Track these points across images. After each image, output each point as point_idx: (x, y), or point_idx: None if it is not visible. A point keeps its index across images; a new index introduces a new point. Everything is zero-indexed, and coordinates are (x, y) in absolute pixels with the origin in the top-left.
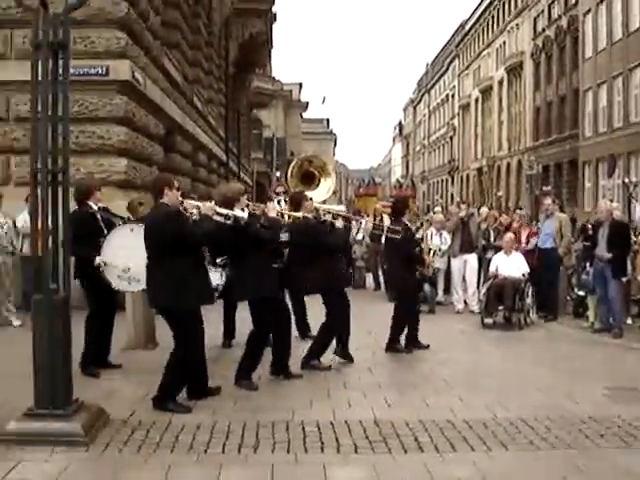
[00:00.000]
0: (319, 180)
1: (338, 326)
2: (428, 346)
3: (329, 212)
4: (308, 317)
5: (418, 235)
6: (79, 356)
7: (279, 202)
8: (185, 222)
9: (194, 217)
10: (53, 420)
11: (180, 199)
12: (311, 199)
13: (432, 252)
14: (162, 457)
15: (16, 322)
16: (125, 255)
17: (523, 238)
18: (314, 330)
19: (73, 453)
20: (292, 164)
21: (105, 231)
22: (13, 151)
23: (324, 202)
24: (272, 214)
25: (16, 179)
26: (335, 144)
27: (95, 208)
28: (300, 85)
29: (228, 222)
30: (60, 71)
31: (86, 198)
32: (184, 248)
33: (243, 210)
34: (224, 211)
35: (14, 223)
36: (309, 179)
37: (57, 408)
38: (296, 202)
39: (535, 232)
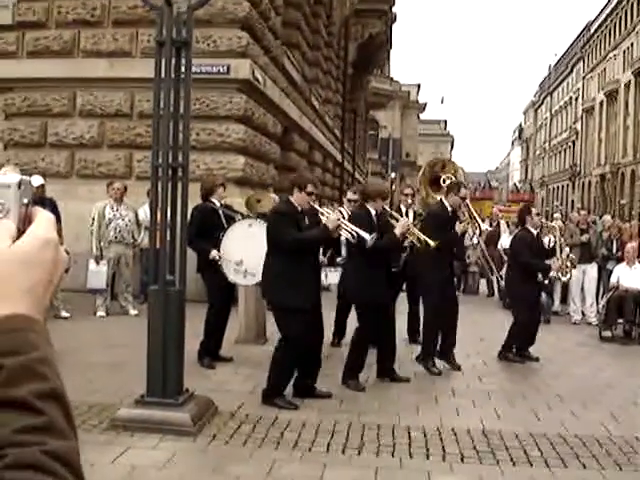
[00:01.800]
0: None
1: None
2: (537, 359)
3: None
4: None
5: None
6: (193, 347)
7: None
8: (290, 223)
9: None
10: (163, 409)
11: (310, 203)
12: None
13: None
14: (267, 452)
15: (133, 311)
16: (242, 249)
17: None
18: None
19: (180, 442)
20: (424, 166)
21: (225, 226)
22: (136, 146)
23: None
24: (398, 231)
25: (138, 173)
26: (452, 146)
27: (217, 204)
28: (418, 86)
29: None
30: (182, 69)
31: (209, 194)
32: (289, 250)
33: (377, 213)
34: (349, 227)
35: (136, 215)
36: (438, 184)
37: (168, 397)
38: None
39: None
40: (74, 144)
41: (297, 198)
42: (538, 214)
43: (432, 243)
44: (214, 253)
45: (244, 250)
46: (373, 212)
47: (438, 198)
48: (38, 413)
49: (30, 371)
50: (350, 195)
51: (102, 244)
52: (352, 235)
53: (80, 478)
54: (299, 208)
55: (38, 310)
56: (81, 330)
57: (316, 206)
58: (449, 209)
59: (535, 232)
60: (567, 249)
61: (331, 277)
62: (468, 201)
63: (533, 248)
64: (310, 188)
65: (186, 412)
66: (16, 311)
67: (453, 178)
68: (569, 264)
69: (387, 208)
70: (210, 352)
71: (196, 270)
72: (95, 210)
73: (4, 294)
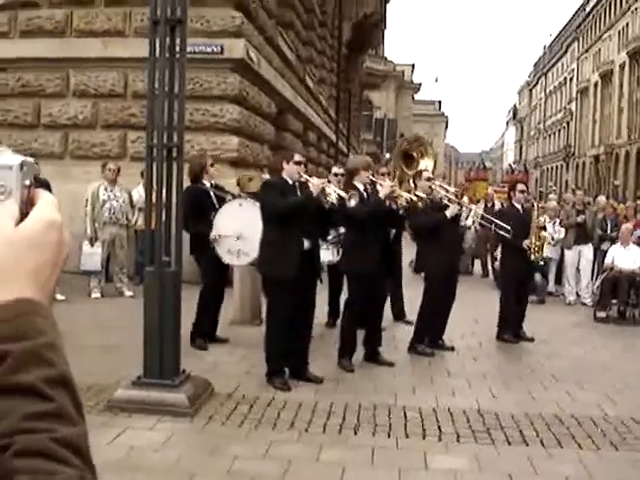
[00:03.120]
0: (418, 162)
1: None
2: (532, 339)
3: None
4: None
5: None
6: (188, 329)
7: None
8: (280, 193)
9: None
10: (160, 390)
11: (300, 173)
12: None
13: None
14: (264, 433)
15: (128, 293)
16: (234, 229)
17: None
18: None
19: (177, 423)
20: (397, 145)
21: (217, 207)
22: (130, 126)
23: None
24: (382, 194)
25: (132, 154)
26: (446, 126)
27: (208, 185)
28: (412, 66)
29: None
30: (177, 48)
31: (199, 175)
32: (276, 218)
33: (365, 186)
34: (332, 189)
35: (130, 196)
36: (411, 159)
37: (164, 378)
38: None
39: None
40: (68, 124)
41: (287, 171)
42: (523, 191)
43: (420, 196)
44: (213, 234)
45: (236, 230)
46: (361, 187)
47: (410, 173)
48: (47, 399)
49: (38, 357)
50: (335, 169)
51: (96, 225)
52: (335, 197)
53: (89, 464)
54: (290, 180)
55: (44, 294)
56: (76, 312)
57: (305, 176)
58: (424, 196)
59: (520, 207)
60: (546, 232)
61: (322, 254)
62: (438, 182)
63: (516, 224)
64: (297, 157)
65: (183, 393)
66: (22, 295)
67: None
68: (538, 244)
69: (373, 178)
70: (203, 333)
71: (189, 252)
72: (89, 191)
73: (9, 278)
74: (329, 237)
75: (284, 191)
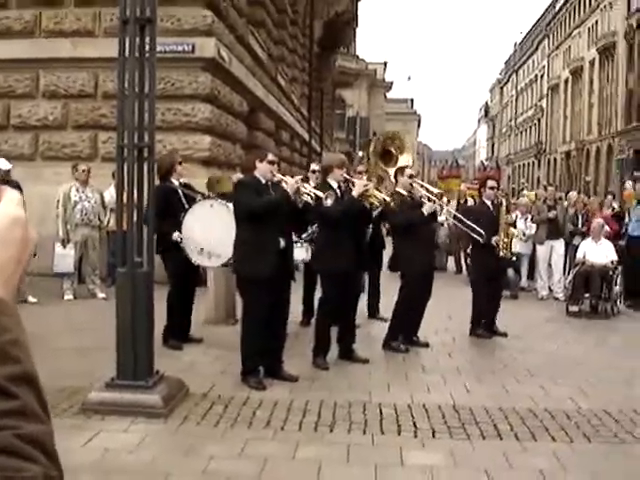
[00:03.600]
0: (397, 158)
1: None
2: (506, 334)
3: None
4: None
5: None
6: (161, 329)
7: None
8: (253, 192)
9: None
10: (134, 391)
11: (273, 172)
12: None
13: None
14: (239, 432)
15: (100, 294)
16: (205, 230)
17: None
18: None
19: (152, 424)
20: (373, 142)
21: (186, 206)
22: (101, 127)
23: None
24: (355, 193)
25: (103, 154)
26: (419, 124)
27: (177, 184)
28: (385, 64)
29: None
30: (147, 47)
31: (168, 173)
32: (250, 217)
33: (339, 184)
34: (308, 189)
35: (102, 197)
36: (389, 157)
37: (138, 379)
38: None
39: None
40: (38, 125)
41: (260, 170)
42: (493, 187)
43: (400, 192)
44: (175, 235)
45: (207, 232)
46: (335, 185)
47: (390, 170)
48: (11, 397)
49: (2, 354)
50: (314, 166)
51: (68, 227)
52: (310, 197)
53: (55, 461)
54: (262, 180)
55: (7, 291)
56: (49, 314)
57: (278, 175)
58: (405, 193)
59: (489, 203)
60: (516, 229)
61: (297, 253)
62: (418, 179)
63: (482, 219)
64: (271, 157)
65: (157, 394)
66: None
67: (397, 150)
68: (506, 241)
69: (347, 176)
70: (175, 334)
71: (155, 251)
72: (60, 193)
73: None
74: (303, 235)
75: (258, 190)
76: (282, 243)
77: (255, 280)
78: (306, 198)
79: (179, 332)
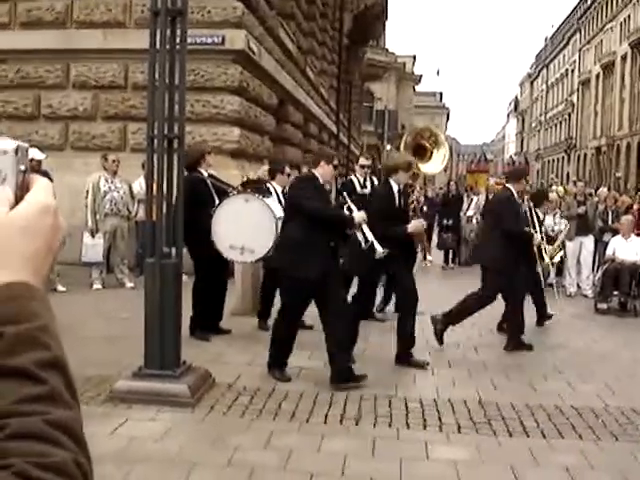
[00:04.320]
0: (432, 152)
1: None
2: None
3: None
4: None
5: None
6: (188, 320)
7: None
8: (311, 195)
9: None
10: (161, 380)
11: (334, 176)
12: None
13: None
14: (265, 423)
15: (129, 284)
16: (239, 225)
17: None
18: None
19: (179, 414)
20: (404, 137)
21: (215, 198)
22: (130, 118)
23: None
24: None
25: (132, 145)
26: (447, 118)
27: (205, 174)
28: (414, 58)
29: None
30: (177, 39)
31: (197, 163)
32: (312, 220)
33: (399, 187)
34: (367, 232)
35: (130, 188)
36: (422, 152)
37: (165, 369)
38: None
39: None
40: (68, 116)
41: (323, 171)
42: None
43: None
44: (214, 233)
45: (241, 226)
46: (395, 187)
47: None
48: (40, 382)
49: (31, 340)
50: (363, 161)
51: (98, 217)
52: (365, 239)
53: (83, 447)
54: (321, 180)
55: (38, 278)
56: (78, 303)
57: (352, 205)
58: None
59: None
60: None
61: None
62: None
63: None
64: (336, 161)
65: (184, 384)
66: (16, 279)
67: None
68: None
69: (411, 182)
70: (206, 325)
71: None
72: (89, 183)
73: (3, 262)
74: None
75: (318, 190)
76: (332, 243)
77: (303, 280)
78: (360, 237)
79: (209, 323)
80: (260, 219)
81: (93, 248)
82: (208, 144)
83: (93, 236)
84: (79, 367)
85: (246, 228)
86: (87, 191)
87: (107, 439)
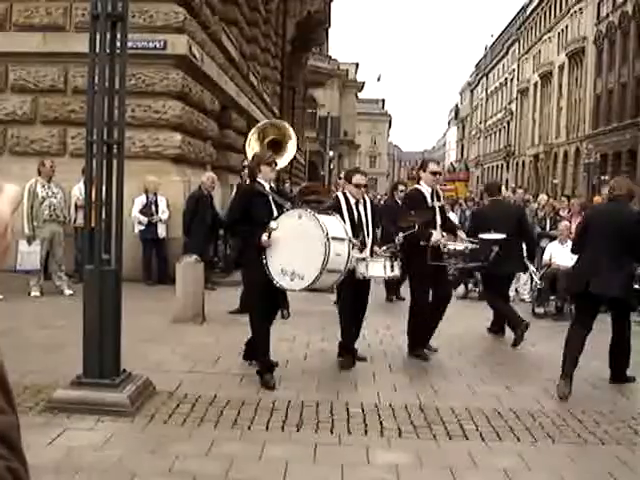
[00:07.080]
0: (285, 145)
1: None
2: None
3: None
4: None
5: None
6: (130, 327)
7: None
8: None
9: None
10: (100, 389)
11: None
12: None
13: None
14: (206, 431)
15: (68, 291)
16: (290, 247)
17: (573, 227)
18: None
19: (118, 423)
20: (255, 133)
21: (275, 213)
22: (70, 122)
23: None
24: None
25: (72, 150)
26: (390, 125)
27: (267, 187)
28: (356, 65)
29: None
30: (118, 44)
31: (254, 174)
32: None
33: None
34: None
35: (68, 194)
36: (278, 146)
37: (104, 378)
38: None
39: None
40: (6, 120)
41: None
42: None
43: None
44: (264, 238)
45: (292, 248)
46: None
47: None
48: None
49: None
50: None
51: (35, 223)
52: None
53: (19, 453)
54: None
55: None
56: (15, 311)
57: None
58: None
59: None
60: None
61: (376, 269)
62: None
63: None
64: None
65: (123, 393)
66: None
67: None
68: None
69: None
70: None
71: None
72: (26, 189)
73: None
74: (383, 248)
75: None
76: None
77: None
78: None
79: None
80: (312, 240)
81: (29, 256)
82: (270, 154)
83: (30, 243)
84: (17, 375)
85: (298, 250)
86: (22, 197)
87: (45, 449)
